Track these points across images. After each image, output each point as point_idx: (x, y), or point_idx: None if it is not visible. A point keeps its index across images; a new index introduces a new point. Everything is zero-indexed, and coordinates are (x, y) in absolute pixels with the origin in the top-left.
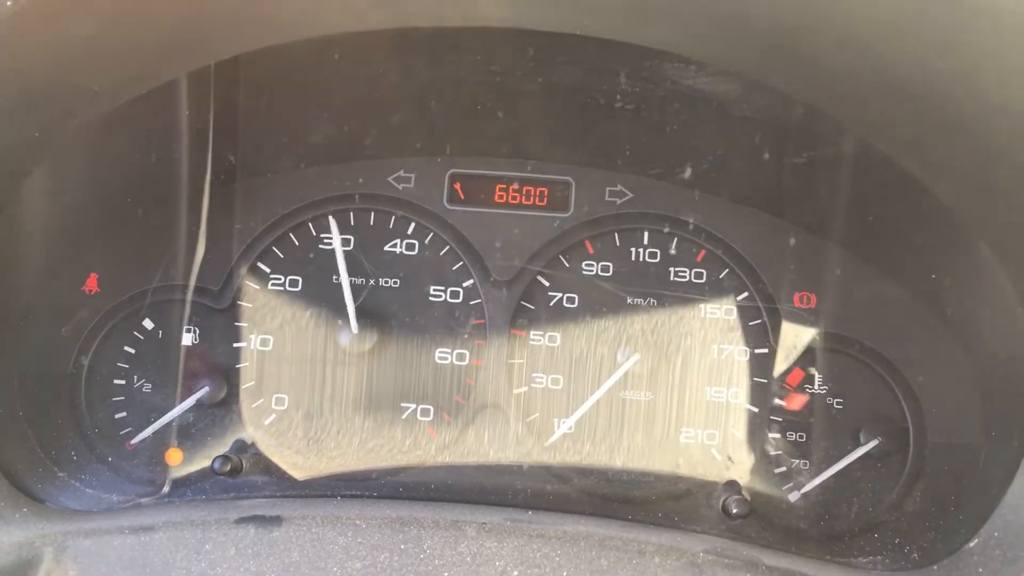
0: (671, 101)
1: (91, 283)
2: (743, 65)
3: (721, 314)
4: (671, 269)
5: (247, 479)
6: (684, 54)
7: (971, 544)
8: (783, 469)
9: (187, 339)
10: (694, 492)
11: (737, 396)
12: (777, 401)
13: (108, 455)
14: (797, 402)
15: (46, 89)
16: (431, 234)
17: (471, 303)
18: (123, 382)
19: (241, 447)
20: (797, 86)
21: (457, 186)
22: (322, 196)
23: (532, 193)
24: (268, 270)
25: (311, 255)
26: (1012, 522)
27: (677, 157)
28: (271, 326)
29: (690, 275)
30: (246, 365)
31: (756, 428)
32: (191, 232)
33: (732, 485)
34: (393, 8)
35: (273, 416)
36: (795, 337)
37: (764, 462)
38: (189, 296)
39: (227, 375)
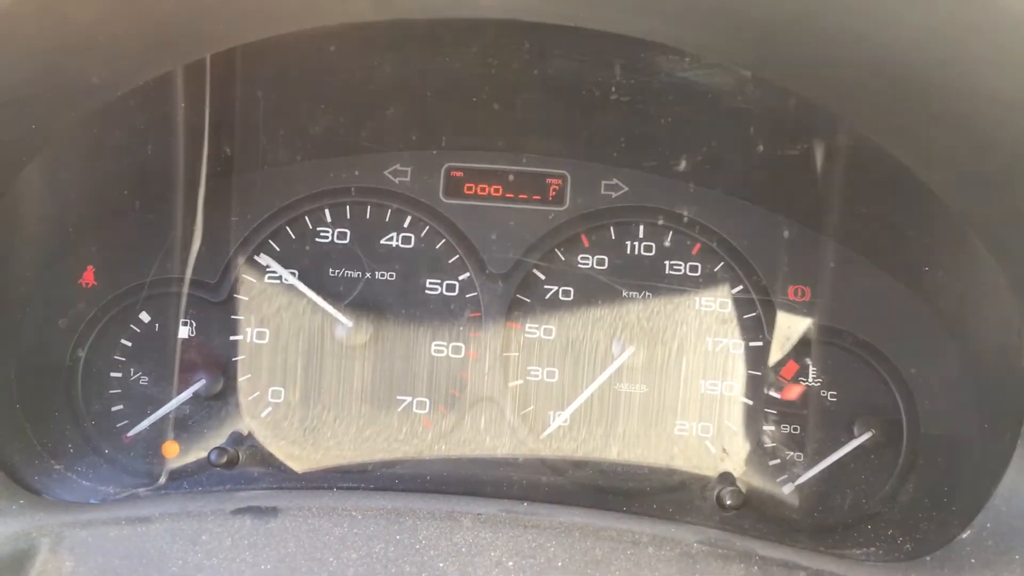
0: (665, 93)
1: (88, 276)
2: (736, 57)
3: (716, 307)
4: (666, 262)
5: (243, 471)
6: (678, 46)
7: (964, 535)
8: (777, 461)
9: (184, 332)
10: (688, 484)
11: (732, 388)
12: (771, 393)
13: (105, 447)
14: (791, 394)
15: (43, 81)
16: (427, 227)
17: (467, 296)
18: (120, 375)
19: (237, 439)
20: (790, 77)
21: (453, 179)
22: (319, 189)
23: (528, 186)
24: (265, 263)
25: (307, 248)
26: (1005, 513)
27: (672, 150)
28: (267, 319)
29: (685, 268)
30: (243, 358)
31: (750, 420)
32: (187, 225)
33: (726, 477)
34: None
35: (270, 408)
36: (789, 330)
37: (758, 454)
38: (185, 289)
39: (224, 368)
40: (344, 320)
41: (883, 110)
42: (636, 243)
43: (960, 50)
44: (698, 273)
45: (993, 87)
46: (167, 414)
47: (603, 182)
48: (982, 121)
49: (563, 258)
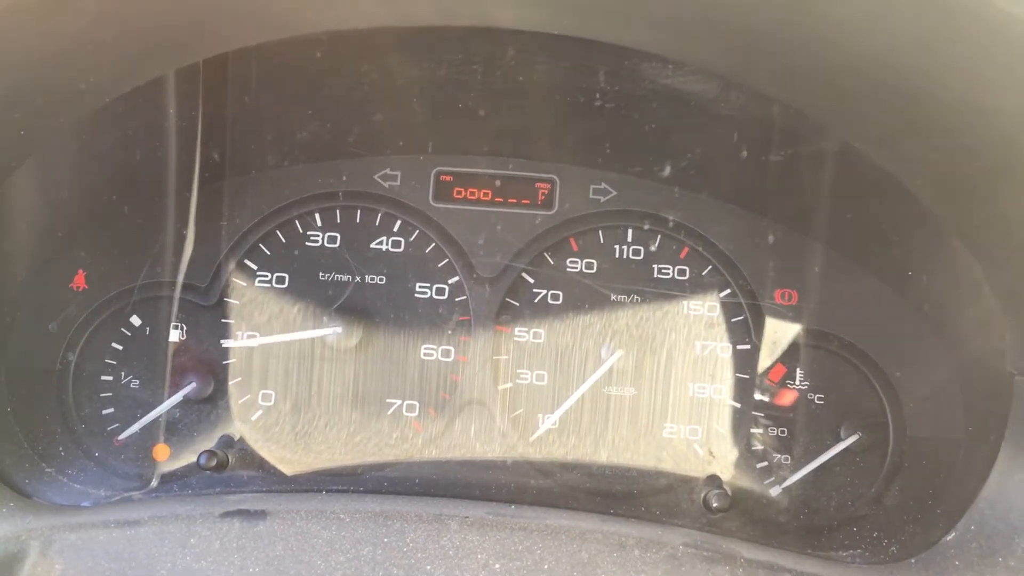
0: (650, 100)
1: (79, 280)
2: (719, 64)
3: (704, 311)
4: (654, 266)
5: (233, 474)
6: (663, 54)
7: (948, 537)
8: (764, 464)
9: (174, 335)
10: (676, 487)
11: (720, 392)
12: (759, 396)
13: (95, 450)
14: (779, 398)
15: (32, 86)
16: (416, 231)
17: (456, 300)
18: (111, 378)
19: (227, 442)
20: (772, 85)
21: (443, 184)
22: (309, 194)
23: (517, 190)
24: (255, 267)
25: (297, 252)
26: (989, 516)
27: (657, 155)
28: (258, 323)
29: (673, 272)
30: (233, 361)
31: (738, 423)
32: (178, 229)
33: (713, 479)
34: (390, 6)
35: (260, 412)
36: (777, 333)
37: (745, 457)
38: (177, 293)
39: (214, 371)
40: (334, 324)
41: (864, 117)
42: (624, 247)
43: (940, 59)
44: (686, 277)
45: (973, 95)
46: (158, 417)
47: (592, 186)
48: (962, 128)
49: (552, 262)
